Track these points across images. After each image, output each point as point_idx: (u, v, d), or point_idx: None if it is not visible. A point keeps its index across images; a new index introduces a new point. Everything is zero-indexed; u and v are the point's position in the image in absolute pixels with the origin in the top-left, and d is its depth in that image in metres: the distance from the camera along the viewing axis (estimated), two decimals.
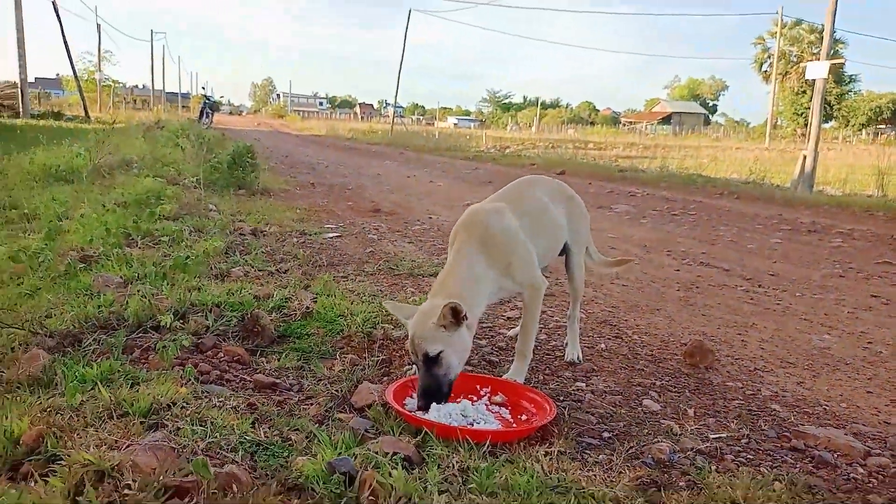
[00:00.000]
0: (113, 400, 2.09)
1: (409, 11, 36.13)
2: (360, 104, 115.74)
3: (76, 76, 31.96)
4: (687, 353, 3.15)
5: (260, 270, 4.23)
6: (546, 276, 2.82)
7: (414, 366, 2.73)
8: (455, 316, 2.27)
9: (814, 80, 16.77)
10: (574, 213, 3.03)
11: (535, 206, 2.83)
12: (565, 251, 3.03)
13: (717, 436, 2.38)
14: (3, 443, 1.82)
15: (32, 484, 1.55)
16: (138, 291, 3.26)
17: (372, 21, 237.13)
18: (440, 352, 2.29)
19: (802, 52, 47.43)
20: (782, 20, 43.90)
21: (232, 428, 1.97)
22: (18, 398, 2.18)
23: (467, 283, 2.47)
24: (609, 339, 3.47)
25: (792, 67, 49.02)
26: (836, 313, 4.23)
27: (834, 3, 15.32)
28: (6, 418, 1.92)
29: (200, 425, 1.99)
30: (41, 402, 2.11)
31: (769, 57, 49.79)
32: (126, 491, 1.45)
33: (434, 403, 2.26)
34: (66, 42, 28.94)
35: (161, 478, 1.50)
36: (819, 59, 16.24)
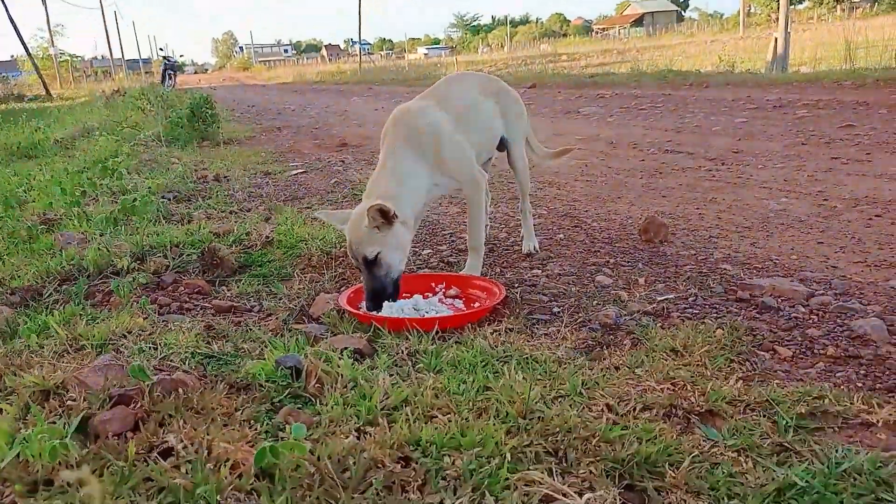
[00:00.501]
0: (70, 336, 2.14)
1: None
2: (326, 46, 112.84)
3: (30, 55, 31.08)
4: (641, 229, 3.20)
5: (222, 212, 4.24)
6: (494, 171, 2.84)
7: None
8: (384, 216, 2.29)
9: None
10: (508, 106, 3.01)
11: (462, 100, 2.81)
12: (505, 146, 3.03)
13: (665, 297, 2.45)
14: None
15: None
16: (97, 242, 3.28)
17: None
18: (378, 253, 2.33)
19: None
20: None
21: (185, 345, 2.02)
22: None
23: (398, 181, 2.48)
24: (568, 229, 3.52)
25: None
26: (796, 178, 4.27)
27: None
28: None
29: (154, 348, 2.04)
30: (1, 350, 2.15)
31: None
32: (70, 403, 1.51)
33: (384, 302, 2.32)
34: (12, 21, 27.99)
35: (107, 390, 1.55)
36: None
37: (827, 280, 2.55)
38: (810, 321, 2.19)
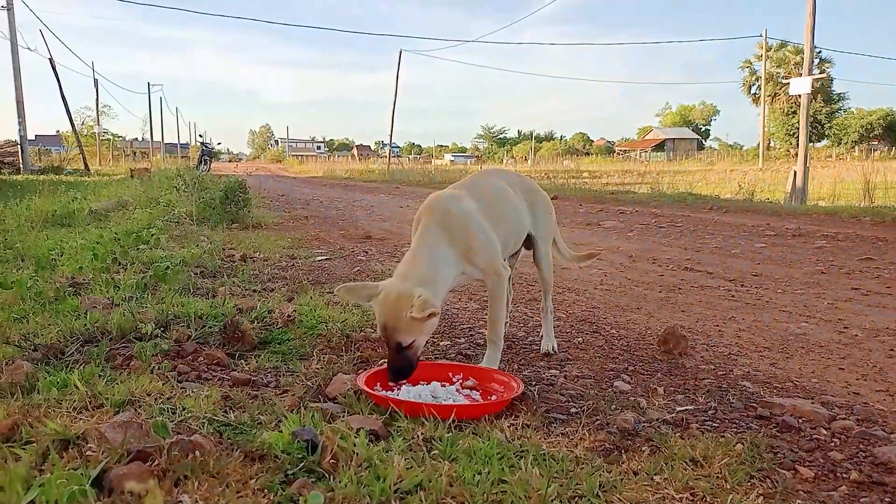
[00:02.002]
0: (89, 394, 2.15)
1: (400, 52, 36.87)
2: (357, 146, 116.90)
3: (75, 131, 32.47)
4: (661, 339, 3.20)
5: (246, 290, 4.31)
6: (515, 272, 2.90)
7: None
8: (430, 316, 2.32)
9: (799, 97, 17.07)
10: (537, 204, 3.11)
11: (493, 192, 2.91)
12: (532, 243, 3.11)
13: (684, 408, 2.43)
14: None
15: (3, 461, 1.61)
16: (123, 307, 3.34)
17: (366, 65, 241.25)
18: (413, 341, 2.37)
19: (789, 73, 48.03)
20: (767, 43, 44.66)
21: (203, 411, 2.02)
22: None
23: (432, 267, 2.52)
24: (587, 334, 3.53)
25: (780, 89, 49.63)
26: (816, 305, 4.28)
27: (811, 20, 15.68)
28: None
29: (171, 412, 2.05)
30: (20, 401, 2.17)
31: (757, 80, 50.47)
32: (89, 454, 1.51)
33: (403, 382, 2.34)
34: (63, 98, 29.47)
35: (125, 446, 1.56)
36: (802, 76, 16.56)
37: (849, 405, 2.52)
38: (832, 444, 2.15)
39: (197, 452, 1.58)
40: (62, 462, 1.51)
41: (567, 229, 8.42)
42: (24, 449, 1.65)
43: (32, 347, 2.89)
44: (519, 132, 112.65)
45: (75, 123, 32.66)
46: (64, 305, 3.64)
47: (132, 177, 17.14)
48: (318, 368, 2.73)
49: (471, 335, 3.44)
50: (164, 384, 2.36)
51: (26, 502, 1.29)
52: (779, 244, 7.04)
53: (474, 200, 2.74)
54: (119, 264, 4.65)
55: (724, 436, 2.15)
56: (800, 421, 2.32)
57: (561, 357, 3.07)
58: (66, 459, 1.53)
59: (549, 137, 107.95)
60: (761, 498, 1.72)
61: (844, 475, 1.93)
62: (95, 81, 43.89)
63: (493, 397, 2.43)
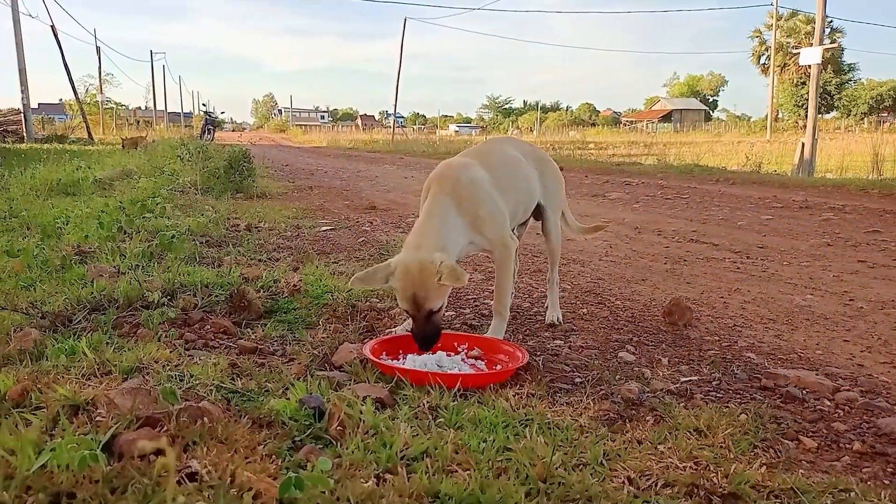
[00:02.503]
0: (97, 361, 2.17)
1: (405, 20, 36.44)
2: (361, 116, 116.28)
3: (78, 99, 32.30)
4: (666, 311, 3.20)
5: (251, 259, 4.32)
6: (523, 247, 2.89)
7: (396, 329, 2.82)
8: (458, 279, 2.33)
9: (809, 67, 16.85)
10: (547, 174, 3.09)
11: (505, 161, 2.89)
12: (541, 213, 3.09)
13: (688, 378, 2.44)
14: None
15: (14, 426, 1.62)
16: (129, 275, 3.35)
17: (370, 33, 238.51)
18: (441, 305, 2.39)
19: (800, 43, 47.33)
20: (777, 12, 43.94)
21: (210, 378, 2.04)
22: (8, 369, 2.26)
23: (445, 234, 2.50)
24: (592, 305, 3.53)
25: (790, 59, 48.97)
26: (821, 277, 4.27)
27: None
28: None
29: (179, 379, 2.06)
30: (29, 368, 2.19)
31: (767, 49, 49.80)
32: (99, 419, 1.53)
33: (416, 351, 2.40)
34: (66, 66, 29.28)
35: (134, 412, 1.57)
36: (812, 46, 16.33)
37: (853, 377, 2.52)
38: (836, 415, 2.16)
39: (205, 419, 1.60)
40: (72, 427, 1.52)
41: (573, 200, 8.36)
42: (34, 414, 1.67)
43: (40, 315, 2.90)
44: (524, 102, 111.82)
45: (78, 92, 32.49)
46: (70, 274, 3.65)
47: (123, 147, 16.73)
48: (323, 337, 2.74)
49: (476, 306, 3.45)
50: (171, 352, 2.37)
51: (38, 466, 1.30)
52: (785, 216, 7.01)
53: (485, 169, 2.72)
54: (124, 233, 4.65)
55: (728, 406, 2.16)
56: (804, 392, 2.33)
57: (566, 328, 3.08)
58: (77, 425, 1.55)
59: (555, 108, 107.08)
60: (764, 467, 1.73)
61: (847, 446, 1.94)
62: (98, 49, 43.58)
63: (499, 367, 2.44)
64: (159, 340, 2.56)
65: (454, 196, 2.58)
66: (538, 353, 2.65)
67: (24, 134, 27.13)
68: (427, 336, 2.38)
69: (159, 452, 1.46)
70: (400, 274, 2.38)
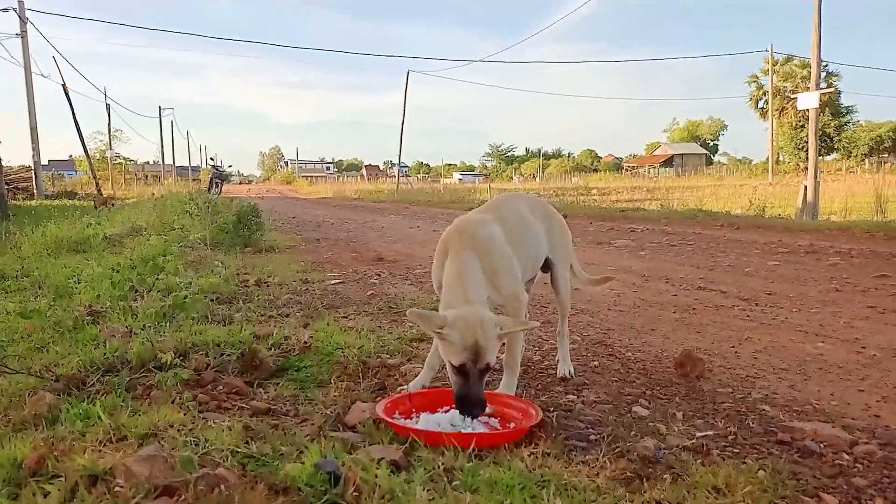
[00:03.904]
0: (113, 426, 2.17)
1: (408, 73, 37.22)
2: (366, 166, 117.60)
3: (88, 156, 32.80)
4: (678, 363, 3.19)
5: (261, 316, 4.34)
6: (532, 299, 2.92)
7: (407, 385, 2.81)
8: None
9: (807, 111, 17.09)
10: (554, 229, 3.14)
11: (516, 217, 2.94)
12: (549, 267, 3.13)
13: (704, 434, 2.42)
14: (7, 468, 1.90)
15: (32, 496, 1.63)
16: (142, 336, 3.37)
17: (374, 86, 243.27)
18: (493, 363, 2.42)
19: (796, 87, 48.04)
20: (773, 57, 44.73)
21: (225, 443, 2.04)
22: (24, 435, 2.27)
23: (477, 290, 2.55)
24: (602, 357, 3.53)
25: (788, 103, 49.56)
26: (832, 324, 4.26)
27: (817, 35, 15.73)
28: (11, 448, 2.01)
29: (195, 444, 2.06)
30: (44, 434, 2.19)
31: (764, 94, 50.51)
32: (118, 489, 1.53)
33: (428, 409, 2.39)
34: (77, 124, 29.78)
35: (152, 480, 1.57)
36: (809, 91, 16.59)
37: (870, 429, 2.50)
38: (855, 469, 2.14)
39: (222, 486, 1.60)
40: (91, 498, 1.52)
41: (578, 248, 8.40)
42: (51, 483, 1.67)
43: (54, 378, 2.91)
44: (527, 150, 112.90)
45: (88, 148, 33.05)
46: (83, 334, 3.68)
47: (95, 207, 16.34)
48: (335, 396, 2.74)
49: None
50: (185, 415, 2.38)
51: None
52: (792, 261, 7.01)
53: (500, 226, 2.77)
54: (136, 292, 4.69)
55: (745, 462, 2.15)
56: (821, 446, 2.31)
57: (578, 381, 3.07)
58: (95, 495, 1.55)
59: (557, 155, 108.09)
60: None
61: (869, 502, 1.92)
62: (107, 106, 44.44)
63: (512, 424, 2.43)
64: (173, 403, 2.56)
65: (477, 251, 2.63)
66: (551, 409, 2.64)
67: (35, 191, 27.54)
68: (479, 397, 2.36)
69: None
70: (460, 325, 2.37)
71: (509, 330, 2.39)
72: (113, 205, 17.30)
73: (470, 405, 2.34)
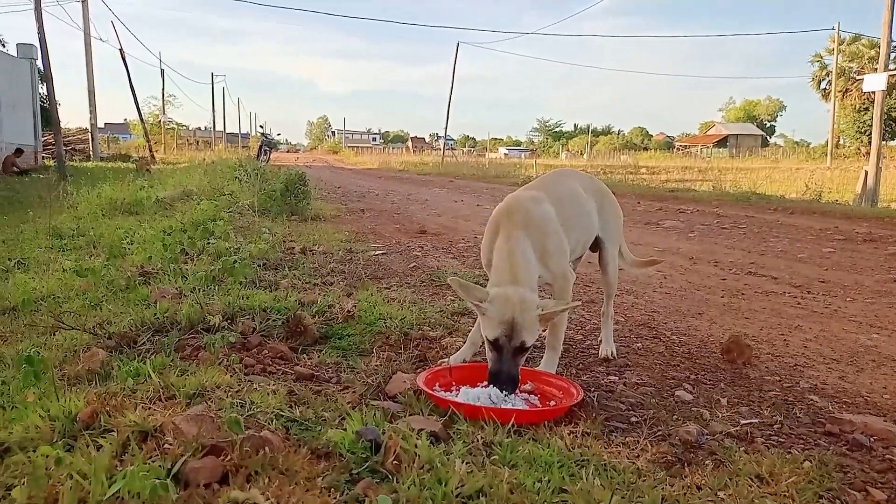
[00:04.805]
0: (162, 385, 2.24)
1: (458, 45, 36.89)
2: (412, 138, 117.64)
3: (142, 120, 33.62)
4: (724, 349, 3.13)
5: (306, 283, 4.40)
6: (576, 277, 2.89)
7: (448, 358, 2.82)
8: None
9: (873, 93, 16.40)
10: (606, 208, 3.09)
11: (569, 195, 2.90)
12: (599, 246, 3.09)
13: (749, 421, 2.37)
14: (62, 420, 1.98)
15: (86, 448, 1.69)
16: (191, 298, 3.46)
17: (423, 56, 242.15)
18: (531, 343, 2.40)
19: (863, 68, 45.98)
20: (839, 36, 42.84)
21: (270, 406, 2.09)
22: (78, 389, 2.36)
23: (531, 270, 2.54)
24: (647, 339, 3.48)
25: (852, 84, 47.56)
26: (888, 315, 4.11)
27: (889, 12, 14.99)
28: (66, 401, 2.09)
29: (241, 406, 2.11)
30: (97, 390, 2.28)
31: (828, 74, 48.51)
32: (167, 446, 1.58)
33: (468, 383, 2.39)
34: (132, 89, 30.53)
35: (199, 440, 1.62)
36: (877, 72, 15.87)
37: None
38: None
39: (266, 449, 1.64)
40: (142, 454, 1.58)
41: (625, 228, 8.26)
42: (104, 438, 1.73)
43: (107, 336, 3.02)
44: (575, 125, 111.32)
45: (142, 113, 33.81)
46: (135, 294, 3.79)
47: (138, 170, 16.34)
48: (377, 366, 2.77)
49: None
50: (231, 377, 2.44)
51: (111, 493, 1.35)
52: (848, 249, 6.78)
53: (551, 204, 2.73)
54: (186, 255, 4.81)
55: (790, 452, 2.10)
56: (871, 439, 2.24)
57: (620, 363, 3.04)
58: (145, 451, 1.61)
59: (607, 131, 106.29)
60: None
61: None
62: (162, 72, 45.29)
63: (552, 403, 2.43)
64: (220, 364, 2.63)
65: (527, 230, 2.60)
66: (592, 389, 2.63)
67: (91, 153, 28.38)
68: (509, 374, 2.36)
69: (223, 482, 1.51)
70: (499, 301, 2.38)
71: (551, 311, 2.38)
72: (148, 170, 17.54)
73: (502, 381, 2.35)
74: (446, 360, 2.82)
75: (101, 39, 30.69)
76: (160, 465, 1.49)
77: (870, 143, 16.51)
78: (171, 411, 1.95)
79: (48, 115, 20.92)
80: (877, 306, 4.35)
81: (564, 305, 2.43)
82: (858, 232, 8.01)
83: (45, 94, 19.17)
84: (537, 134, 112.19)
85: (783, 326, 3.81)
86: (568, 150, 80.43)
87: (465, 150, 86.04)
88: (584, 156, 63.12)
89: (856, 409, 2.56)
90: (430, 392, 2.32)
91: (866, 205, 13.11)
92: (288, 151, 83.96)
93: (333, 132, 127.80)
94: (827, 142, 42.93)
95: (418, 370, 2.71)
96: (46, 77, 17.14)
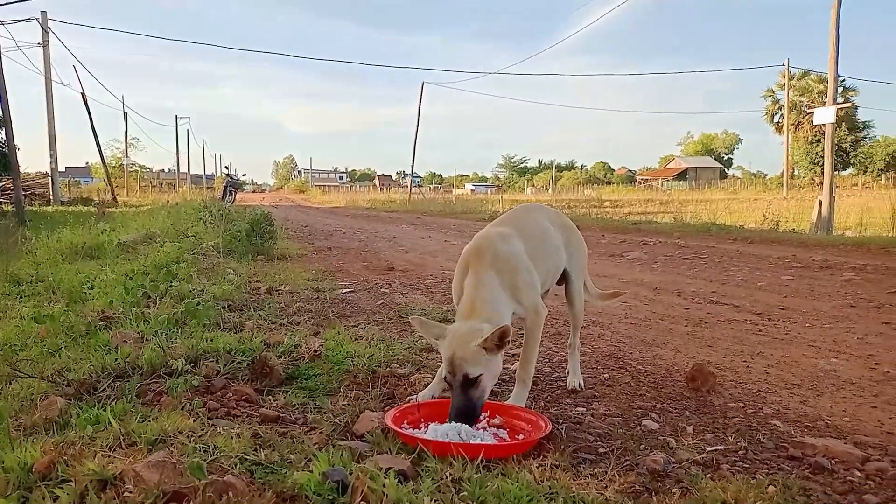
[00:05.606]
0: (123, 431, 2.19)
1: (422, 85, 37.43)
2: (379, 176, 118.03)
3: (104, 163, 33.19)
4: (689, 377, 3.17)
5: (272, 323, 4.36)
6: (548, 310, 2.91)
7: (417, 395, 2.81)
8: (501, 340, 2.37)
9: (824, 126, 17.03)
10: (572, 241, 3.15)
11: (536, 230, 2.95)
12: (565, 279, 3.13)
13: (714, 448, 2.40)
14: (17, 472, 1.91)
15: (41, 500, 1.64)
16: (153, 342, 3.39)
17: (388, 97, 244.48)
18: (480, 375, 2.39)
19: (813, 102, 47.80)
20: (789, 72, 44.55)
21: (234, 450, 2.05)
22: (34, 439, 2.29)
23: (495, 307, 2.56)
24: (613, 369, 3.51)
25: (804, 117, 49.33)
26: (845, 340, 4.22)
27: (834, 50, 15.67)
28: (21, 452, 2.02)
29: (204, 450, 2.07)
30: (55, 439, 2.21)
31: (780, 108, 50.24)
32: (127, 494, 1.54)
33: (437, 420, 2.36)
34: (94, 131, 30.25)
35: (161, 486, 1.58)
36: (826, 106, 16.52)
37: (883, 446, 2.47)
38: (867, 487, 2.12)
39: (230, 493, 1.60)
40: (101, 503, 1.53)
41: (590, 261, 8.35)
42: (61, 488, 1.68)
43: (65, 383, 2.94)
44: (540, 161, 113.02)
45: (105, 156, 33.41)
46: (95, 340, 3.71)
47: (102, 214, 15.67)
48: (344, 405, 2.74)
49: None
50: (194, 421, 2.39)
51: None
52: (806, 276, 6.96)
53: (520, 239, 2.77)
54: (149, 298, 4.72)
55: (755, 477, 2.13)
56: (832, 462, 2.29)
57: (587, 394, 3.06)
58: (104, 501, 1.56)
59: (570, 167, 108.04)
60: None
61: None
62: (125, 114, 44.91)
63: (521, 436, 2.43)
64: (183, 409, 2.58)
65: (497, 267, 2.64)
66: (560, 421, 2.63)
67: (51, 197, 27.86)
68: (460, 408, 2.37)
69: None
70: (447, 338, 2.45)
71: (485, 337, 2.35)
72: (103, 213, 17.07)
73: (455, 416, 2.37)
74: (415, 396, 2.80)
75: (62, 84, 30.39)
76: None
77: (822, 173, 17.09)
78: (131, 458, 1.91)
79: (6, 160, 20.53)
80: (835, 331, 4.46)
81: (492, 330, 2.35)
82: (815, 259, 8.23)
83: (4, 138, 18.86)
84: (503, 170, 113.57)
85: (745, 353, 3.88)
86: (533, 186, 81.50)
87: (431, 186, 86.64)
88: (549, 190, 63.98)
89: (817, 432, 2.61)
90: (398, 430, 2.30)
91: (821, 233, 13.50)
92: (254, 192, 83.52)
93: (300, 171, 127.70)
94: (782, 173, 44.27)
95: (386, 408, 2.69)
96: (5, 120, 16.88)
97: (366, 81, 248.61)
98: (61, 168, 31.61)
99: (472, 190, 73.87)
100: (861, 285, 6.29)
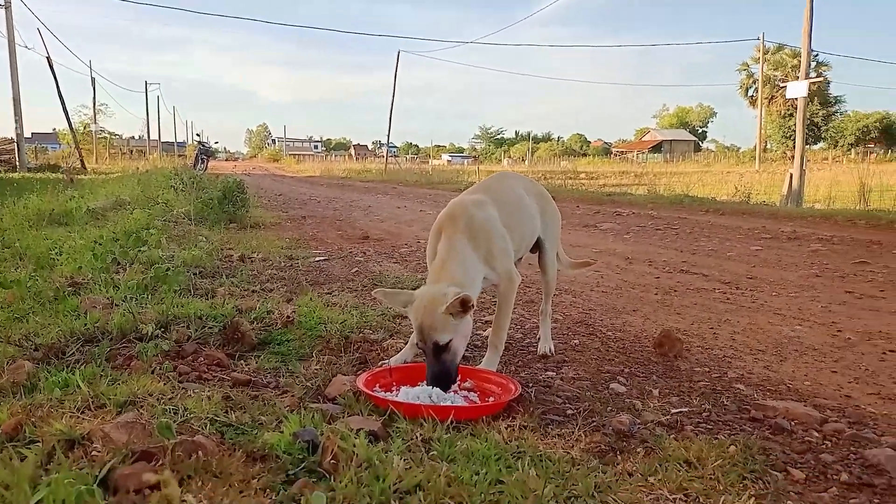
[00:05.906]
0: (91, 394, 2.18)
1: (399, 53, 36.93)
2: (354, 145, 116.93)
3: (72, 129, 32.38)
4: (656, 342, 3.24)
5: (245, 290, 4.34)
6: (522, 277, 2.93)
7: (389, 360, 2.84)
8: (464, 307, 2.38)
9: (796, 100, 17.19)
10: (547, 210, 3.17)
11: (511, 197, 2.96)
12: (539, 247, 3.16)
13: (679, 410, 2.46)
14: None
15: (9, 460, 1.63)
16: (123, 307, 3.36)
17: (364, 65, 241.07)
18: (450, 340, 2.41)
19: (786, 76, 48.14)
20: (764, 46, 44.77)
21: (205, 412, 2.05)
22: (1, 402, 2.26)
23: (465, 271, 2.58)
24: (583, 336, 3.56)
25: (777, 91, 49.71)
26: (810, 308, 4.32)
27: (808, 24, 15.77)
28: None
29: (174, 412, 2.07)
30: (22, 402, 2.19)
31: (754, 82, 50.61)
32: (95, 453, 1.54)
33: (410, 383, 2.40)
34: (61, 96, 29.44)
35: (130, 446, 1.58)
36: (799, 80, 16.67)
37: (840, 408, 2.56)
38: (823, 446, 2.19)
39: (200, 453, 1.61)
40: (68, 462, 1.53)
41: (565, 231, 8.42)
42: (28, 448, 1.68)
43: (33, 347, 2.91)
44: (516, 133, 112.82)
45: (72, 122, 32.60)
46: (64, 305, 3.66)
47: (72, 181, 15.27)
48: (317, 369, 2.76)
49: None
50: (165, 384, 2.38)
51: (34, 502, 1.31)
52: (774, 247, 7.09)
53: (495, 207, 2.78)
54: (118, 264, 4.66)
55: (717, 438, 2.19)
56: (792, 423, 2.36)
57: (558, 359, 3.11)
58: (72, 459, 1.56)
59: (547, 138, 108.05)
60: (753, 499, 1.75)
61: (835, 477, 1.96)
62: (93, 80, 43.84)
63: (491, 399, 2.46)
64: (153, 373, 2.57)
65: (469, 233, 2.65)
66: (530, 385, 2.68)
67: (17, 163, 27.17)
68: (438, 375, 2.40)
69: (155, 487, 1.48)
70: (415, 304, 2.46)
71: (450, 302, 2.35)
72: (72, 179, 16.64)
73: (430, 380, 2.41)
74: (387, 361, 2.82)
75: (26, 47, 29.39)
76: (87, 473, 1.45)
77: (794, 147, 17.31)
78: (100, 420, 1.90)
79: None
80: (800, 300, 4.57)
81: (455, 296, 2.35)
82: (784, 231, 8.38)
83: None
84: (479, 141, 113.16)
85: (713, 321, 3.96)
86: (510, 157, 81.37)
87: (408, 157, 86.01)
88: (526, 162, 63.96)
89: (779, 395, 2.69)
90: (370, 392, 2.32)
91: (792, 205, 13.72)
92: (227, 160, 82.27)
93: (274, 140, 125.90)
94: (755, 146, 44.73)
95: (359, 373, 2.71)
96: None
97: (341, 49, 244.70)
98: (27, 134, 30.81)
99: (448, 160, 73.66)
100: (827, 256, 6.43)
